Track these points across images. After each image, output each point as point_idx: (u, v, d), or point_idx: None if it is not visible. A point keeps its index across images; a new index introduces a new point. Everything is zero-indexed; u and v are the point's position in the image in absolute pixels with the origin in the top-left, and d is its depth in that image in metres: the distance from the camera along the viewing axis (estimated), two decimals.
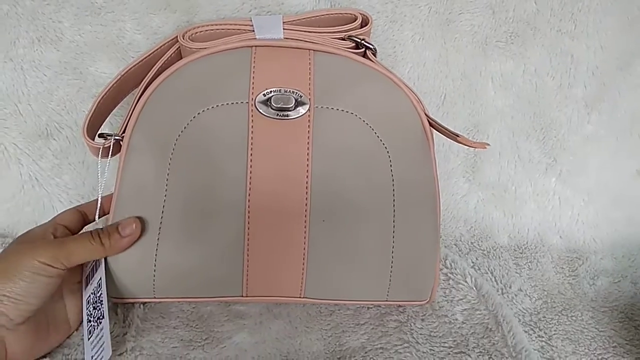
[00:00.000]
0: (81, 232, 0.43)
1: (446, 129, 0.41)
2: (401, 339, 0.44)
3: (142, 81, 0.44)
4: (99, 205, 0.43)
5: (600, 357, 0.46)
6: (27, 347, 0.37)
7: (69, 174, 0.54)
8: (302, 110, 0.40)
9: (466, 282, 0.50)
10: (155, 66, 0.45)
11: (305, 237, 0.41)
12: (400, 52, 0.54)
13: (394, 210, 0.42)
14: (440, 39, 0.54)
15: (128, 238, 0.40)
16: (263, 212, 0.41)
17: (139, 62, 0.46)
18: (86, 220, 0.44)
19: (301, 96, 0.40)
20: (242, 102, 0.40)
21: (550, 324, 0.49)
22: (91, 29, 0.50)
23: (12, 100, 0.51)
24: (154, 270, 0.41)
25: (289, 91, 0.40)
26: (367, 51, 0.45)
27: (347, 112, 0.41)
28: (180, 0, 0.50)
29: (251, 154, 0.40)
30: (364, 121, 0.41)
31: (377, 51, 0.46)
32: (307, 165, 0.40)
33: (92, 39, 0.50)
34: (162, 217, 0.41)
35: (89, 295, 0.41)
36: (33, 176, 0.54)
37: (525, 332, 0.47)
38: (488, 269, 0.55)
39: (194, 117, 0.40)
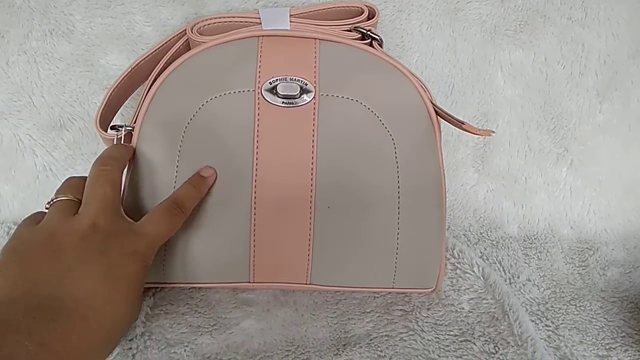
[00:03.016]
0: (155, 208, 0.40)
1: (452, 116, 0.41)
2: (406, 327, 0.45)
3: (151, 73, 0.45)
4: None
5: (608, 346, 0.45)
6: None
7: (82, 164, 0.56)
8: (307, 98, 0.41)
9: (473, 271, 0.50)
10: (164, 59, 0.46)
11: (310, 223, 0.42)
12: (407, 42, 0.54)
13: (399, 197, 0.43)
14: (449, 28, 0.54)
15: (209, 178, 0.41)
16: (269, 198, 0.42)
17: (149, 55, 0.47)
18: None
19: (306, 84, 0.41)
20: (248, 90, 0.41)
21: (558, 313, 0.48)
22: (102, 21, 0.51)
23: (26, 92, 0.52)
24: (164, 255, 0.42)
25: (295, 79, 0.41)
26: (373, 42, 0.46)
27: (352, 99, 0.42)
28: None
29: (257, 141, 0.41)
30: (368, 108, 0.42)
31: (384, 42, 0.46)
32: (313, 152, 0.41)
33: (102, 31, 0.51)
34: None
35: None
36: (47, 167, 0.55)
37: (532, 321, 0.47)
38: (496, 259, 0.55)
39: (202, 106, 0.41)
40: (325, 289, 0.46)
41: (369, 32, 0.45)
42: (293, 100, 0.41)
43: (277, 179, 0.41)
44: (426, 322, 0.45)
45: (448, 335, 0.44)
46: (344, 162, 0.42)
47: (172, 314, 0.45)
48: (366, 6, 0.47)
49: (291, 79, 0.41)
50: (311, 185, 0.42)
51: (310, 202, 0.42)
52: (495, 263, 0.55)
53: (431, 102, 0.43)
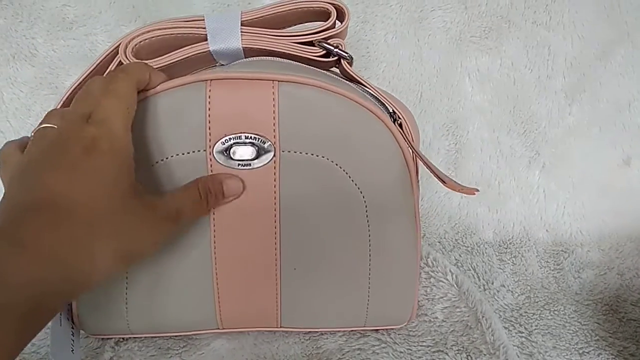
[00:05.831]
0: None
1: (434, 169, 0.34)
2: (379, 340, 0.44)
3: None
4: None
5: (581, 351, 0.45)
6: None
7: None
8: (266, 158, 0.36)
9: (447, 279, 0.50)
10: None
11: (277, 283, 0.40)
12: (373, 52, 0.54)
13: (370, 252, 0.40)
14: (414, 37, 0.54)
15: (229, 199, 0.37)
16: (231, 263, 0.39)
17: (83, 79, 0.39)
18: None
19: (264, 142, 0.35)
20: (198, 151, 0.36)
21: (531, 319, 0.48)
22: (64, 43, 0.51)
23: None
24: (126, 310, 0.41)
25: (250, 137, 0.35)
26: (341, 60, 0.39)
27: (316, 155, 0.36)
28: (150, 10, 0.50)
29: (214, 210, 0.38)
30: (335, 164, 0.37)
31: (354, 59, 0.40)
32: (275, 216, 0.38)
33: (65, 53, 0.51)
34: None
35: None
36: None
37: (506, 328, 0.47)
38: (471, 266, 0.55)
39: (151, 166, 0.36)
40: (297, 331, 0.45)
41: (336, 49, 0.38)
42: (250, 162, 0.36)
43: (238, 244, 0.39)
44: (399, 334, 0.45)
45: (421, 346, 0.44)
46: (310, 222, 0.38)
47: (142, 336, 0.44)
48: (333, 6, 0.39)
49: (247, 137, 0.35)
50: (275, 249, 0.39)
51: (276, 265, 0.39)
52: (470, 270, 0.54)
53: (409, 145, 0.37)
